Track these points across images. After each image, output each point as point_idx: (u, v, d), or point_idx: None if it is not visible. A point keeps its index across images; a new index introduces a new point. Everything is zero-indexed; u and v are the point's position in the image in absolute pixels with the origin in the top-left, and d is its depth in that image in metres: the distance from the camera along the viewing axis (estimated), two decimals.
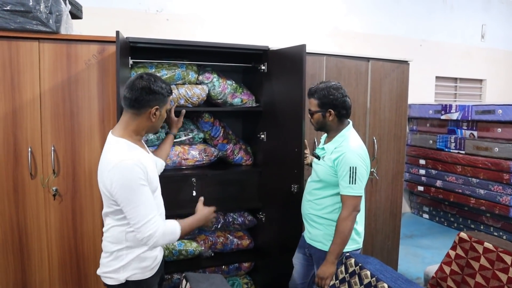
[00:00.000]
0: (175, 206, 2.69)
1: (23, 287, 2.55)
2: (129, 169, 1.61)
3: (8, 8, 2.30)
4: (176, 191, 2.95)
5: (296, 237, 2.53)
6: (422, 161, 5.53)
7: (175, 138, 2.34)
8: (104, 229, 1.82)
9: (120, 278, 1.76)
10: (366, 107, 3.40)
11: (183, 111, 2.36)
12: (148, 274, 1.82)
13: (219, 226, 3.16)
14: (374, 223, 3.55)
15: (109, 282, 1.79)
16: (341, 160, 2.12)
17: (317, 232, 2.27)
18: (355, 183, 2.09)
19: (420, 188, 5.61)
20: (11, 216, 2.48)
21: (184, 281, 1.96)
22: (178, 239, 1.87)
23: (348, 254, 2.09)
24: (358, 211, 2.15)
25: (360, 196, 2.14)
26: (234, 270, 3.24)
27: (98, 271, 1.84)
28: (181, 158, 2.93)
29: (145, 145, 1.92)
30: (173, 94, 2.75)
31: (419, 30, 5.89)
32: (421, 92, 5.87)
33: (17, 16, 2.32)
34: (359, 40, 5.33)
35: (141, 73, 1.79)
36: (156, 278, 1.89)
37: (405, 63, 3.57)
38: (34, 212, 2.52)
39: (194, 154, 2.98)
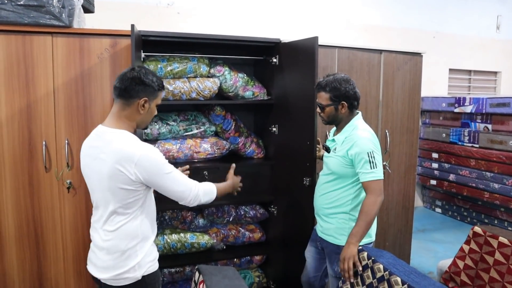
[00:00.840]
0: None
1: (39, 279, 2.60)
2: (155, 155, 1.68)
3: (21, 2, 2.32)
4: None
5: (308, 230, 2.53)
6: (435, 155, 5.48)
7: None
8: (111, 228, 1.72)
9: (137, 275, 1.73)
10: (379, 100, 3.37)
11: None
12: (157, 265, 1.84)
13: (231, 219, 3.17)
14: (386, 217, 3.53)
15: (124, 282, 1.73)
16: (355, 149, 2.10)
17: (329, 225, 2.27)
18: (376, 167, 2.08)
19: (433, 182, 5.56)
20: (27, 208, 2.52)
21: (197, 274, 1.98)
22: (213, 200, 1.95)
23: (360, 247, 2.08)
24: (383, 196, 2.11)
25: (383, 179, 2.11)
26: (245, 263, 3.26)
27: (106, 276, 1.75)
28: (193, 151, 2.94)
29: None
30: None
31: (432, 22, 5.81)
32: (434, 85, 5.80)
33: (31, 11, 2.34)
34: (372, 33, 5.27)
35: (134, 66, 1.78)
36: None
37: (418, 55, 3.53)
38: (48, 205, 2.55)
39: (206, 147, 2.99)
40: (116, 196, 1.67)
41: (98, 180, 1.71)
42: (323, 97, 2.22)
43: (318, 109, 2.29)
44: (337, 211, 2.24)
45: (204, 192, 1.84)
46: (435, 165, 5.49)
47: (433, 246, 4.46)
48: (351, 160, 2.14)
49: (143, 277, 1.75)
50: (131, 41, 2.26)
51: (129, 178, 1.63)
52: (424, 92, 4.59)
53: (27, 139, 2.47)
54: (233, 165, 2.23)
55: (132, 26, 2.24)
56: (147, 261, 1.77)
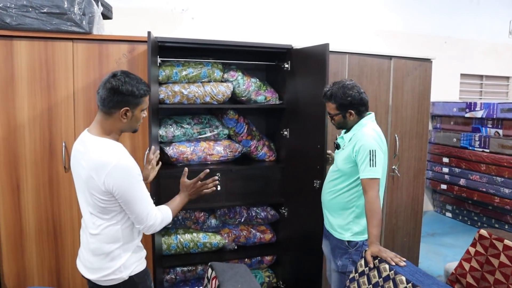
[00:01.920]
0: (200, 200, 2.78)
1: (57, 274, 2.69)
2: (129, 169, 1.65)
3: (45, 10, 2.43)
4: None
5: (318, 232, 2.58)
6: (445, 159, 5.49)
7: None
8: (93, 232, 1.74)
9: (123, 276, 1.75)
10: (388, 105, 3.42)
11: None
12: (144, 264, 1.86)
13: (242, 220, 3.25)
14: (395, 219, 3.57)
15: (112, 283, 1.76)
16: (359, 146, 2.16)
17: (334, 220, 2.34)
18: (375, 166, 2.11)
19: (443, 187, 5.57)
20: (46, 207, 2.62)
21: (210, 270, 2.05)
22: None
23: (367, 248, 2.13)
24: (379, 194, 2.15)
25: (379, 179, 2.14)
26: (256, 263, 3.33)
27: (94, 276, 1.77)
28: (207, 154, 3.03)
29: None
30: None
31: (444, 27, 5.82)
32: (446, 90, 5.80)
33: (53, 18, 2.45)
34: (383, 38, 5.31)
35: (117, 71, 1.71)
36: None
37: (427, 61, 3.57)
38: (67, 204, 2.65)
39: (219, 150, 3.07)
40: (92, 200, 1.69)
41: (80, 183, 1.74)
42: (330, 107, 2.29)
43: (328, 116, 2.37)
44: (342, 207, 2.30)
45: (161, 222, 1.78)
46: (445, 170, 5.50)
47: (443, 250, 4.48)
48: (355, 158, 2.20)
49: (131, 277, 1.77)
50: (148, 47, 2.35)
51: (99, 187, 1.63)
52: (435, 97, 4.62)
53: (48, 140, 2.57)
54: (186, 169, 2.04)
55: (149, 33, 2.34)
56: (132, 261, 1.78)
